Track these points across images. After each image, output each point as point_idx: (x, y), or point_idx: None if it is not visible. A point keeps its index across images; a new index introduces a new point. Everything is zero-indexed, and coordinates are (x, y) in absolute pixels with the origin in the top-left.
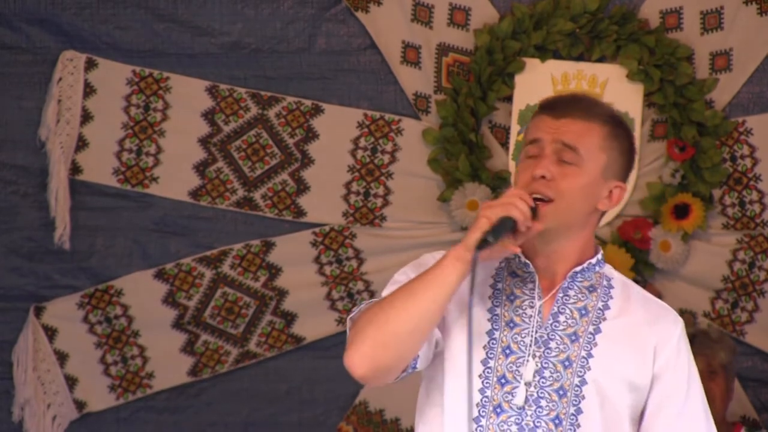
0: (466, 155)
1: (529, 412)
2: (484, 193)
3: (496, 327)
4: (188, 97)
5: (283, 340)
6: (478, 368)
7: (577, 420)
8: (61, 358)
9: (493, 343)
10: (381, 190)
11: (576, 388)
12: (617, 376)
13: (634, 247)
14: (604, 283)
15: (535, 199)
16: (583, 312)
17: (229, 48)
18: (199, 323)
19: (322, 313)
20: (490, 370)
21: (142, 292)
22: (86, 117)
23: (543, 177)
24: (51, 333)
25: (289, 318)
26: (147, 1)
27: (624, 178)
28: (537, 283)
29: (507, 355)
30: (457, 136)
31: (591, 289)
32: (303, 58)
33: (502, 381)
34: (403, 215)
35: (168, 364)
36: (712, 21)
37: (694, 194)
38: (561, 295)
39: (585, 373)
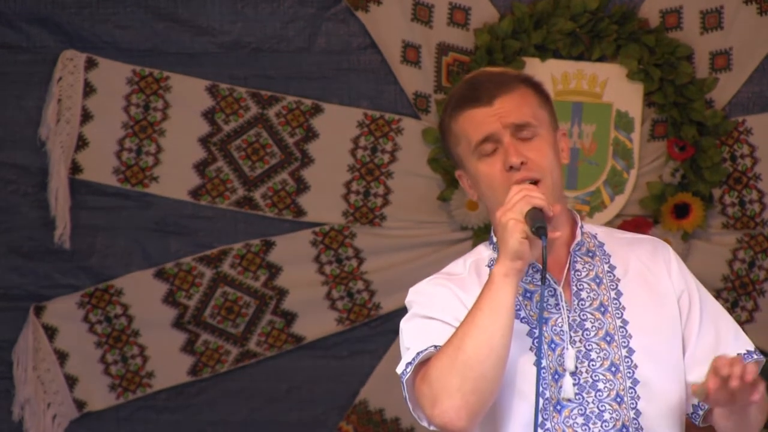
0: None
1: (589, 399)
2: None
3: (533, 325)
4: (188, 97)
5: (283, 339)
6: (533, 371)
7: (636, 392)
8: (61, 357)
9: (537, 342)
10: (381, 190)
11: (626, 360)
12: (656, 328)
13: None
14: (596, 242)
15: None
16: (598, 281)
17: (229, 47)
18: (199, 323)
19: (322, 312)
20: (545, 370)
21: (142, 292)
22: (86, 116)
23: (522, 163)
24: (51, 332)
25: (289, 317)
26: (147, 0)
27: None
28: (545, 271)
29: (554, 349)
30: None
31: (590, 254)
32: (303, 57)
33: (556, 377)
34: (403, 215)
35: (168, 363)
36: (712, 20)
37: (694, 194)
38: (572, 272)
39: (629, 342)
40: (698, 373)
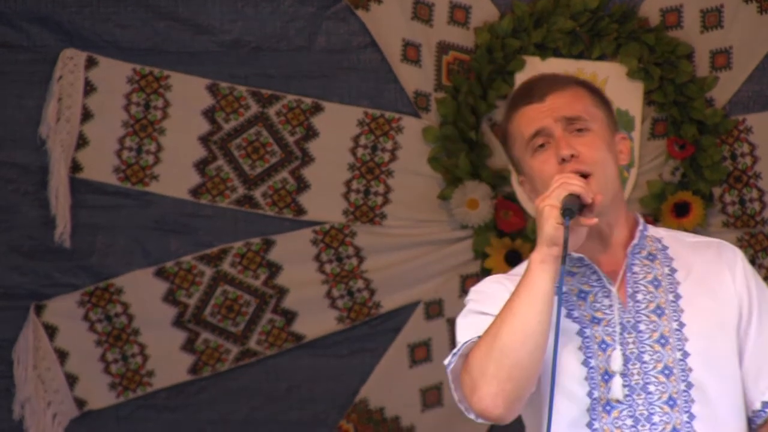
0: (467, 153)
1: (639, 401)
2: (484, 191)
3: (585, 325)
4: (188, 96)
5: (283, 338)
6: (581, 371)
7: (690, 395)
8: (62, 356)
9: (587, 342)
10: (381, 188)
11: (680, 363)
12: (714, 332)
13: None
14: (659, 246)
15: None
16: (656, 283)
17: (229, 46)
18: (200, 321)
19: (323, 311)
20: (593, 370)
21: (142, 291)
22: (86, 115)
23: (572, 156)
24: (51, 331)
25: (290, 316)
26: None
27: (619, 129)
28: (600, 271)
29: (604, 350)
30: (457, 134)
31: (651, 257)
32: (303, 56)
33: (606, 377)
34: (403, 213)
35: (168, 362)
36: (712, 19)
37: (695, 192)
38: (629, 274)
39: (684, 345)
40: (762, 387)
